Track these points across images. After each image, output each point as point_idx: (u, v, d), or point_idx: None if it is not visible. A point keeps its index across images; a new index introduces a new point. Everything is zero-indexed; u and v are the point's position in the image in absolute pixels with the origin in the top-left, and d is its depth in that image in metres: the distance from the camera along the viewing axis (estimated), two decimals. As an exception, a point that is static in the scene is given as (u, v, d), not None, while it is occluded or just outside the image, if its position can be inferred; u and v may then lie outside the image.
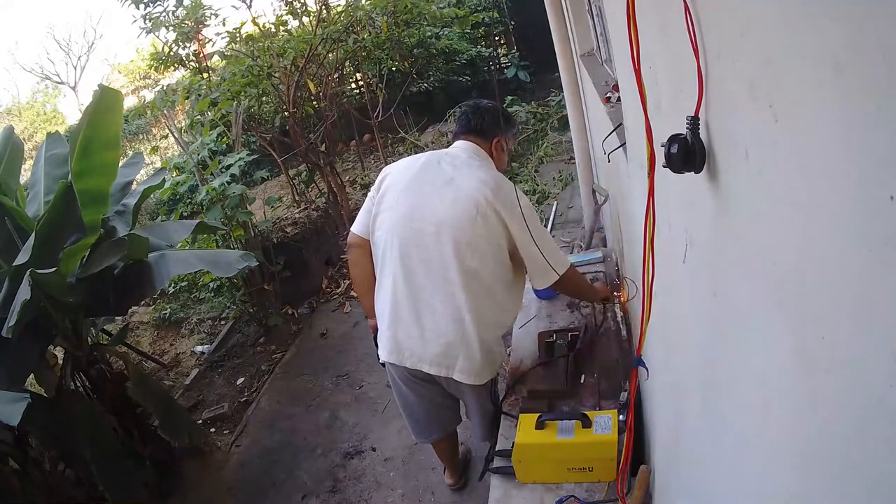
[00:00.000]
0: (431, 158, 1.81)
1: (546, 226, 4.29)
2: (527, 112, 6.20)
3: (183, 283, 4.61)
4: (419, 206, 1.71)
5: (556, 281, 1.78)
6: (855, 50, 0.35)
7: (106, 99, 2.49)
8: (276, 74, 4.85)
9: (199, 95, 4.61)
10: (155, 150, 6.16)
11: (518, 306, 1.90)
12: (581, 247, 3.52)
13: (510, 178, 4.83)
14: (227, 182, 3.52)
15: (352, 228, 1.89)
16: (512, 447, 1.60)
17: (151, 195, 3.97)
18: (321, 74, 5.26)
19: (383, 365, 1.92)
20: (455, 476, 2.34)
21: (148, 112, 6.59)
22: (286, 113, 4.95)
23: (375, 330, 1.90)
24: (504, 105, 6.16)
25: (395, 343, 1.78)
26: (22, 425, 1.94)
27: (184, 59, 5.47)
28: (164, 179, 3.40)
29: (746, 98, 0.54)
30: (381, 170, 1.95)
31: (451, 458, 2.29)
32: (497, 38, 8.34)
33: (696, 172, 0.70)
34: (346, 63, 6.09)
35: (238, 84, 4.63)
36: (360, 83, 7.33)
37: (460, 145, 1.83)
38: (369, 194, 1.86)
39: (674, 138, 0.69)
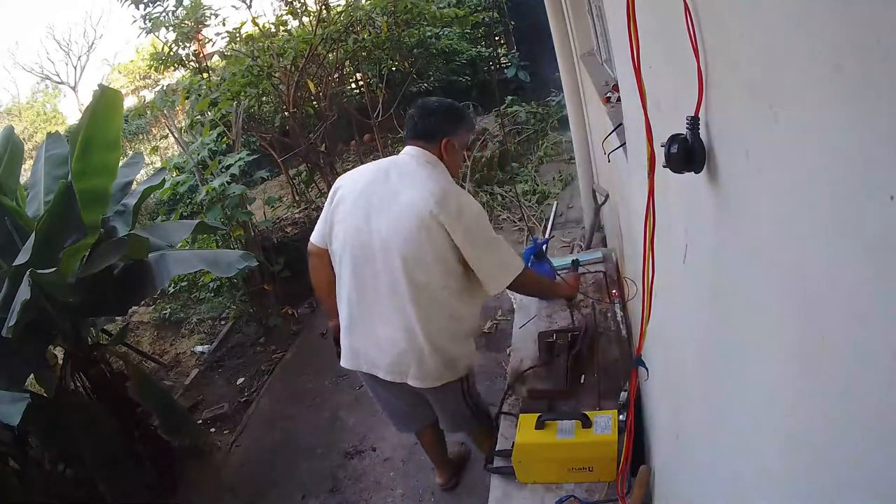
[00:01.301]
0: (380, 170, 1.79)
1: (546, 226, 4.29)
2: (527, 112, 6.20)
3: (183, 283, 4.61)
4: (367, 221, 1.71)
5: (512, 284, 1.81)
6: (855, 50, 0.35)
7: (106, 99, 2.49)
8: (276, 74, 4.85)
9: (199, 95, 4.62)
10: (155, 150, 6.17)
11: (471, 312, 1.86)
12: (581, 247, 3.52)
13: (510, 178, 4.79)
14: (227, 182, 3.52)
15: (311, 237, 1.91)
16: (512, 447, 1.60)
17: (151, 195, 3.97)
18: (321, 74, 5.27)
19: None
20: (445, 475, 2.35)
21: (148, 112, 6.59)
22: (286, 113, 4.96)
23: (336, 329, 1.95)
24: (504, 105, 6.17)
25: (351, 350, 1.85)
26: (22, 425, 1.94)
27: (184, 59, 5.47)
28: (164, 179, 3.40)
29: (746, 98, 0.54)
30: None
31: (437, 454, 2.30)
32: (497, 38, 8.34)
33: (696, 172, 0.70)
34: (346, 63, 6.09)
35: (238, 84, 4.63)
36: (360, 83, 7.33)
37: (409, 151, 1.79)
38: (326, 204, 1.87)
39: (674, 138, 0.69)
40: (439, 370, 1.79)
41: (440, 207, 1.63)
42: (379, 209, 1.70)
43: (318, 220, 1.88)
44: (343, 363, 1.90)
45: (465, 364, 1.86)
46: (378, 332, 1.78)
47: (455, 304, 1.76)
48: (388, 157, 1.87)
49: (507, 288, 1.84)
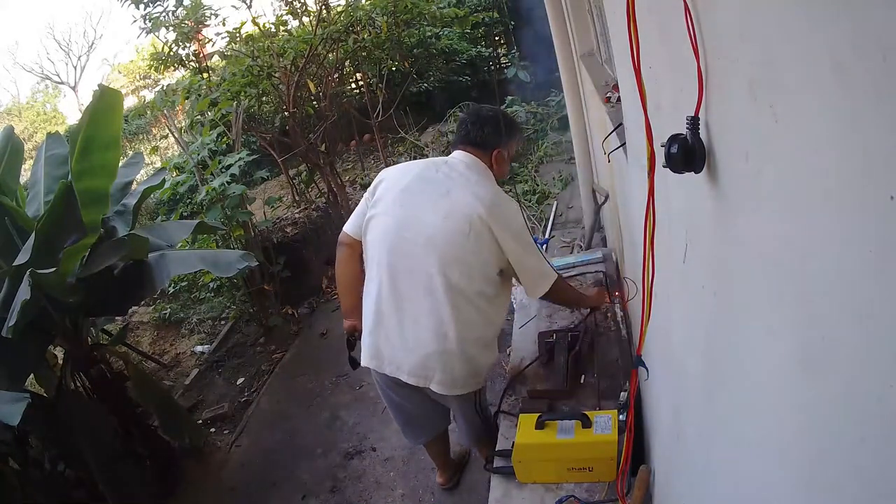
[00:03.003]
0: (430, 167, 1.79)
1: (546, 226, 4.29)
2: (527, 112, 6.20)
3: (183, 283, 4.61)
4: (412, 216, 1.70)
5: (547, 292, 1.82)
6: (855, 50, 0.35)
7: (106, 99, 2.49)
8: (276, 74, 4.85)
9: (199, 95, 4.61)
10: (155, 150, 6.16)
11: (502, 319, 1.87)
12: (581, 247, 3.52)
13: (510, 178, 4.78)
14: (227, 182, 3.52)
15: (344, 227, 1.89)
16: (512, 447, 1.60)
17: (151, 195, 3.97)
18: (321, 74, 5.26)
19: (354, 367, 1.97)
20: (446, 475, 2.34)
21: (148, 112, 6.59)
22: (286, 113, 4.95)
23: (350, 330, 1.94)
24: (504, 105, 6.16)
25: (375, 349, 1.78)
26: (22, 425, 1.94)
27: (184, 59, 5.46)
28: (164, 179, 3.40)
29: (746, 98, 0.54)
30: (380, 170, 1.96)
31: (442, 458, 2.30)
32: (497, 38, 8.34)
33: (696, 172, 0.70)
34: (346, 63, 6.09)
35: (238, 84, 4.62)
36: (360, 83, 7.33)
37: (459, 156, 1.79)
38: (365, 195, 1.85)
39: (674, 138, 0.69)
40: (465, 378, 1.77)
41: (490, 212, 1.65)
42: (426, 206, 1.69)
43: (355, 211, 1.88)
44: (364, 362, 1.83)
45: (485, 372, 1.86)
46: (407, 331, 1.73)
47: (489, 310, 1.76)
48: (435, 159, 1.88)
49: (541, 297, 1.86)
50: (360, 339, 1.90)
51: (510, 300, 1.86)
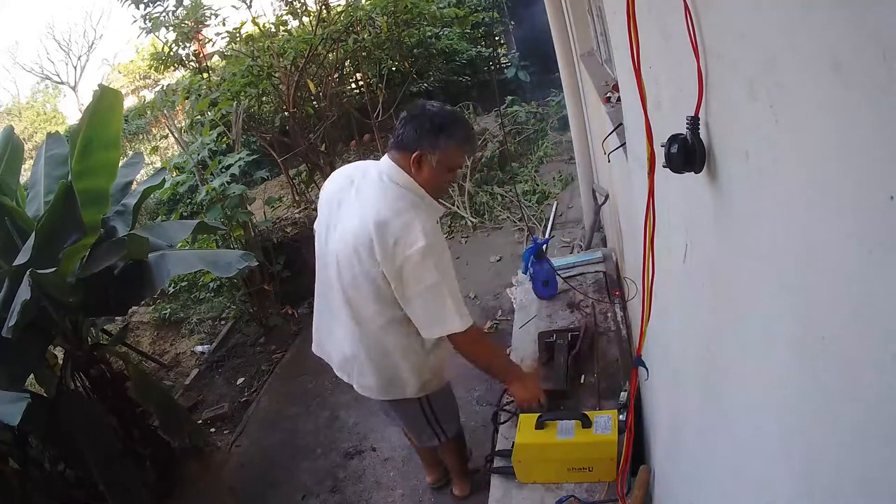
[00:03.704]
0: (349, 177, 1.68)
1: (546, 226, 4.29)
2: (527, 112, 6.20)
3: (183, 283, 4.61)
4: (327, 232, 1.69)
5: (454, 343, 1.65)
6: (855, 50, 0.35)
7: (106, 99, 2.49)
8: (276, 74, 4.85)
9: (199, 95, 4.62)
10: (155, 150, 6.16)
11: (432, 344, 1.72)
12: (581, 247, 3.52)
13: (510, 178, 4.76)
14: (227, 182, 3.52)
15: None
16: (512, 447, 1.60)
17: (151, 195, 3.97)
18: (321, 74, 5.26)
19: None
20: (433, 475, 2.37)
21: (148, 112, 6.58)
22: (286, 113, 4.95)
23: None
24: (504, 105, 6.16)
25: (317, 338, 1.92)
26: (22, 425, 1.94)
27: (184, 59, 5.47)
28: (164, 179, 3.40)
29: (746, 98, 0.54)
30: None
31: (428, 457, 2.32)
32: (497, 38, 8.33)
33: (696, 172, 0.70)
34: (346, 63, 6.09)
35: (238, 84, 4.63)
36: (360, 83, 7.33)
37: (383, 162, 1.63)
38: None
39: (674, 138, 0.69)
40: (382, 387, 1.78)
41: (376, 234, 1.50)
42: (336, 222, 1.65)
43: None
44: (313, 348, 1.95)
45: (416, 387, 1.77)
46: (334, 330, 1.80)
47: (397, 338, 1.67)
48: (365, 163, 1.75)
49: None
50: None
51: None
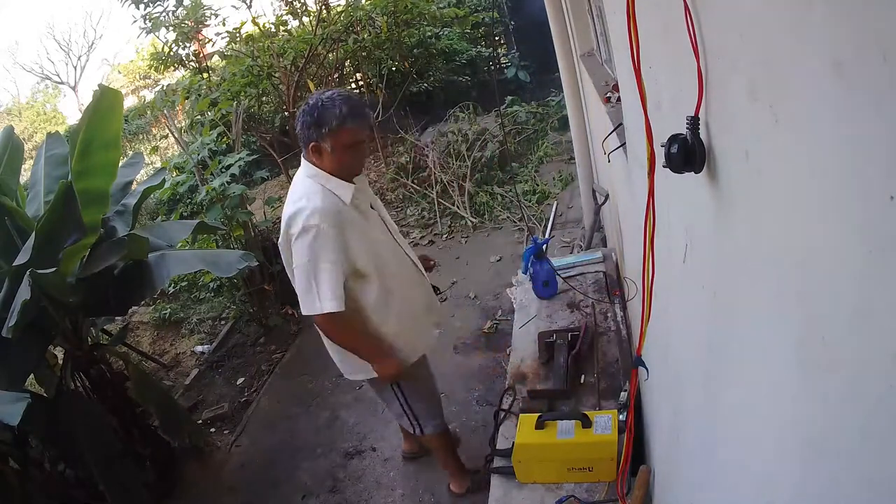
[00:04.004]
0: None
1: (546, 226, 4.29)
2: (527, 112, 6.20)
3: (183, 283, 4.61)
4: None
5: (319, 325, 1.77)
6: (855, 50, 0.35)
7: (106, 99, 2.49)
8: (276, 74, 4.85)
9: (199, 95, 4.62)
10: (155, 150, 6.17)
11: (366, 313, 1.82)
12: (581, 247, 3.53)
13: (510, 178, 4.75)
14: (227, 182, 3.52)
15: None
16: (512, 447, 1.60)
17: (151, 195, 3.97)
18: (321, 74, 5.27)
19: None
20: (408, 445, 2.52)
21: (148, 112, 6.59)
22: (286, 113, 4.96)
23: None
24: (504, 105, 6.16)
25: None
26: (22, 425, 1.94)
27: (184, 59, 5.47)
28: (164, 179, 3.40)
29: (746, 98, 0.54)
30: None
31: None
32: (497, 38, 8.34)
33: (696, 172, 0.70)
34: (346, 63, 6.10)
35: (238, 84, 4.63)
36: (360, 83, 7.33)
37: (302, 161, 1.79)
38: None
39: (674, 138, 0.69)
40: (345, 367, 1.97)
41: (286, 221, 1.69)
42: None
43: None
44: None
45: (373, 367, 1.87)
46: None
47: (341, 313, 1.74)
48: None
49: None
50: None
51: (373, 294, 1.80)
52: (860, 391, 0.40)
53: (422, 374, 2.07)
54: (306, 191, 1.70)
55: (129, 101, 12.18)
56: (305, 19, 5.35)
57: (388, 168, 5.72)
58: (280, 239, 1.75)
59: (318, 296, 1.67)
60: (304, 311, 1.73)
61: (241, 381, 3.64)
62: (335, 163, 1.71)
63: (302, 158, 1.77)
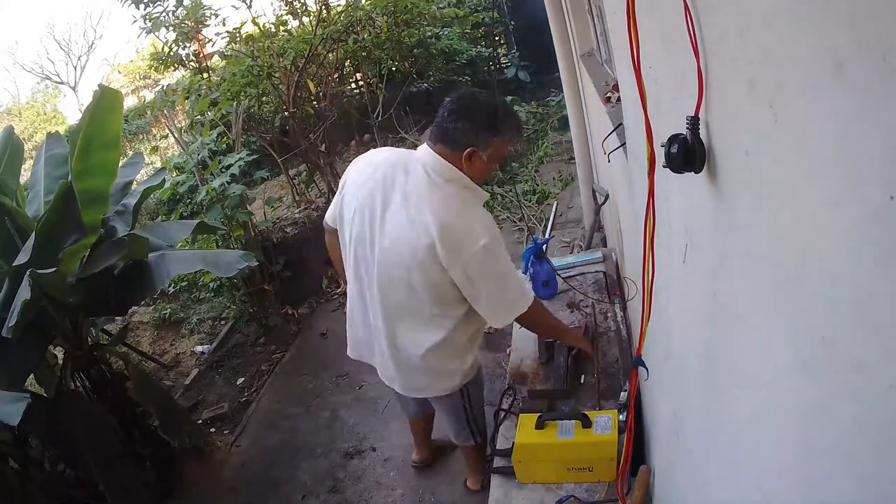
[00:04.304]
0: (387, 176, 1.58)
1: (546, 226, 4.29)
2: (527, 112, 6.20)
3: (183, 283, 4.61)
4: (369, 232, 1.60)
5: (519, 320, 1.68)
6: (855, 50, 0.35)
7: (106, 99, 2.49)
8: (276, 74, 4.85)
9: (199, 95, 4.61)
10: (155, 150, 6.16)
11: (472, 327, 1.74)
12: (581, 247, 3.53)
13: (510, 178, 4.75)
14: (227, 182, 3.52)
15: (325, 217, 1.86)
16: (512, 447, 1.60)
17: (151, 195, 3.97)
18: (321, 74, 5.26)
19: None
20: (421, 455, 2.45)
21: (148, 112, 6.59)
22: (286, 113, 4.95)
23: None
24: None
25: (354, 342, 1.90)
26: (22, 425, 1.93)
27: (184, 59, 5.47)
28: (164, 179, 3.39)
29: (746, 98, 0.54)
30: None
31: (421, 436, 2.38)
32: (497, 38, 8.34)
33: (696, 172, 0.70)
34: (346, 63, 6.10)
35: (238, 84, 4.62)
36: (360, 83, 7.33)
37: (425, 159, 1.56)
38: (338, 187, 1.76)
39: (674, 138, 0.69)
40: (432, 384, 1.80)
41: (440, 241, 1.47)
42: (381, 224, 1.57)
43: (333, 202, 1.81)
44: (348, 353, 1.93)
45: (462, 372, 1.80)
46: (372, 335, 1.78)
47: (447, 331, 1.67)
48: (402, 155, 1.65)
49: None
50: None
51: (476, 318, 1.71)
52: (860, 391, 0.40)
53: (481, 378, 1.98)
54: (460, 200, 1.53)
55: (129, 101, 12.19)
56: (305, 19, 5.35)
57: (388, 168, 5.70)
58: (424, 254, 1.50)
59: (521, 296, 1.62)
60: (509, 320, 1.64)
61: (241, 381, 3.64)
62: (483, 172, 1.57)
63: (432, 155, 1.54)
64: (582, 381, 1.88)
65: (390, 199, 1.55)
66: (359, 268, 1.70)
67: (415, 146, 1.72)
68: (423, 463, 2.47)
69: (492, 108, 1.53)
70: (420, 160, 1.57)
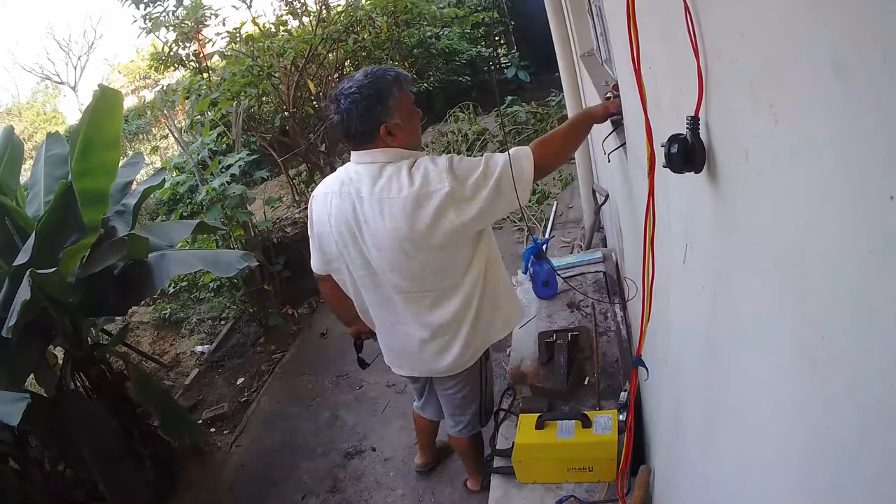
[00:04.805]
0: (345, 190, 1.58)
1: (546, 226, 4.29)
2: (527, 112, 6.20)
3: (183, 283, 4.61)
4: (359, 247, 1.60)
5: (536, 168, 1.50)
6: (855, 50, 0.35)
7: (106, 99, 2.49)
8: (276, 74, 4.85)
9: (199, 95, 4.62)
10: (155, 150, 6.17)
11: (500, 272, 1.73)
12: (581, 247, 3.52)
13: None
14: (227, 182, 3.52)
15: (311, 263, 1.82)
16: (512, 447, 1.60)
17: (151, 195, 3.96)
18: (321, 74, 5.26)
19: (363, 367, 2.10)
20: (424, 459, 2.46)
21: (148, 112, 6.59)
22: (286, 113, 4.96)
23: (356, 334, 2.03)
24: (504, 105, 6.16)
25: (392, 355, 1.88)
26: (22, 425, 1.93)
27: (184, 59, 5.47)
28: (164, 179, 3.40)
29: (746, 98, 0.54)
30: None
31: (428, 439, 2.39)
32: (497, 38, 8.34)
33: (696, 172, 0.70)
34: (347, 63, 6.09)
35: (238, 84, 4.63)
36: (361, 83, 7.32)
37: (361, 160, 1.56)
38: (308, 226, 1.76)
39: (674, 138, 0.69)
40: (469, 354, 1.75)
41: (414, 204, 1.46)
42: (367, 231, 1.57)
43: (311, 246, 1.78)
44: (393, 370, 1.92)
45: (498, 328, 1.79)
46: (405, 338, 1.76)
47: (475, 291, 1.65)
48: (345, 170, 1.63)
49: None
50: (367, 340, 2.04)
51: (492, 243, 1.67)
52: (860, 391, 0.40)
53: (489, 357, 1.97)
54: (396, 177, 1.50)
55: (129, 101, 12.20)
56: (305, 19, 5.35)
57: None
58: (404, 240, 1.51)
59: (519, 161, 1.47)
60: (528, 190, 1.49)
61: (241, 381, 3.64)
62: (411, 131, 1.56)
63: (363, 157, 1.55)
64: (586, 382, 1.88)
65: (360, 209, 1.56)
66: (368, 291, 1.71)
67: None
68: (426, 467, 2.48)
69: (362, 86, 1.49)
70: (359, 165, 1.57)
